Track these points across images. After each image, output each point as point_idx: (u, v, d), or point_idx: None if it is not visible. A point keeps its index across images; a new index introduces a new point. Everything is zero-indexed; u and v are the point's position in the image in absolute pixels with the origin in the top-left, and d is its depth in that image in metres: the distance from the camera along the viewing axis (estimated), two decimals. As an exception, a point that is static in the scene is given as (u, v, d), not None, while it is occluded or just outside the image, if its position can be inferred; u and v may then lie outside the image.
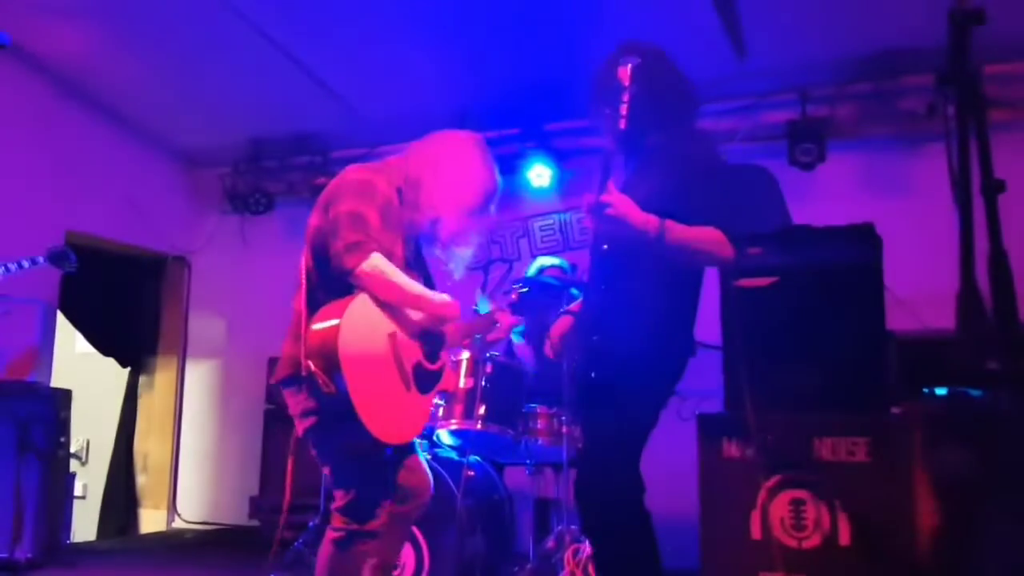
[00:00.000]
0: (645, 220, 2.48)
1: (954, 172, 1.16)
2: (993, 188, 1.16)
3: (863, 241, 3.36)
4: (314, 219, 2.74)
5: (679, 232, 2.51)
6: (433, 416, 4.13)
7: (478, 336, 3.17)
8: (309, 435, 2.67)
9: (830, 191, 5.23)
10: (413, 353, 2.74)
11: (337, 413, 2.51)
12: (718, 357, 3.56)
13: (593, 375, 2.66)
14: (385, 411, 2.58)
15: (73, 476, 5.85)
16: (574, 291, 4.09)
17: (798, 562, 3.05)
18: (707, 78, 5.20)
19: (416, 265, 2.93)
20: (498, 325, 3.15)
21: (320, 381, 2.47)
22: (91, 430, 7.35)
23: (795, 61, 5.12)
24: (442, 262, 3.00)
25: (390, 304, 2.66)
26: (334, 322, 2.50)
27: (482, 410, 3.86)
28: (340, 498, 2.67)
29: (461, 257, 3.01)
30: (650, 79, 2.59)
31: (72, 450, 5.75)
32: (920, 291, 4.14)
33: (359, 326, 2.55)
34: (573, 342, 2.82)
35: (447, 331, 2.95)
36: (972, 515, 2.85)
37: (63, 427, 5.14)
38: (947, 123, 1.21)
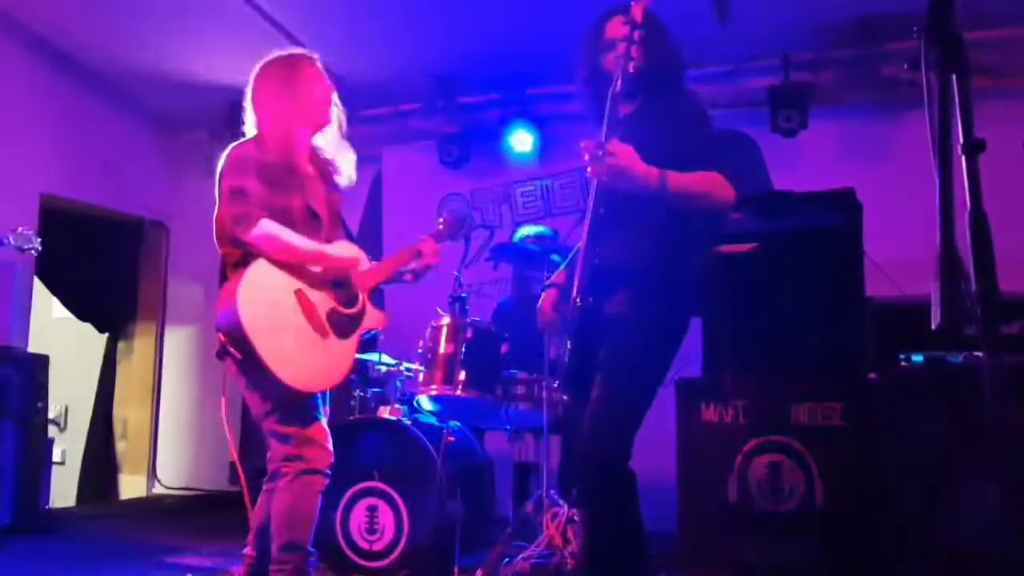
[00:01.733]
0: (647, 171, 2.42)
1: (934, 131, 1.14)
2: (974, 147, 1.15)
3: (843, 206, 3.38)
4: (216, 211, 2.90)
5: (679, 179, 2.44)
6: (413, 382, 4.14)
7: (407, 270, 3.20)
8: (244, 396, 2.88)
9: (812, 158, 5.23)
10: (325, 302, 2.91)
11: (258, 373, 2.70)
12: (695, 324, 3.57)
13: (589, 338, 2.58)
14: (302, 362, 2.78)
15: (51, 441, 5.82)
16: (555, 257, 4.09)
17: (774, 524, 3.09)
18: (689, 42, 5.16)
19: (329, 212, 3.07)
20: (423, 254, 3.17)
21: (231, 350, 2.72)
22: (69, 395, 7.31)
23: (778, 26, 5.09)
24: (338, 171, 3.15)
25: (288, 264, 2.82)
26: (234, 296, 2.70)
27: (462, 375, 3.85)
28: (282, 449, 2.83)
29: (343, 155, 3.15)
30: (655, 27, 2.58)
31: (50, 416, 5.72)
32: (899, 258, 4.14)
33: (258, 291, 2.75)
34: (563, 312, 2.77)
35: (371, 273, 3.10)
36: (947, 478, 2.89)
37: (41, 392, 5.10)
38: (927, 81, 1.20)
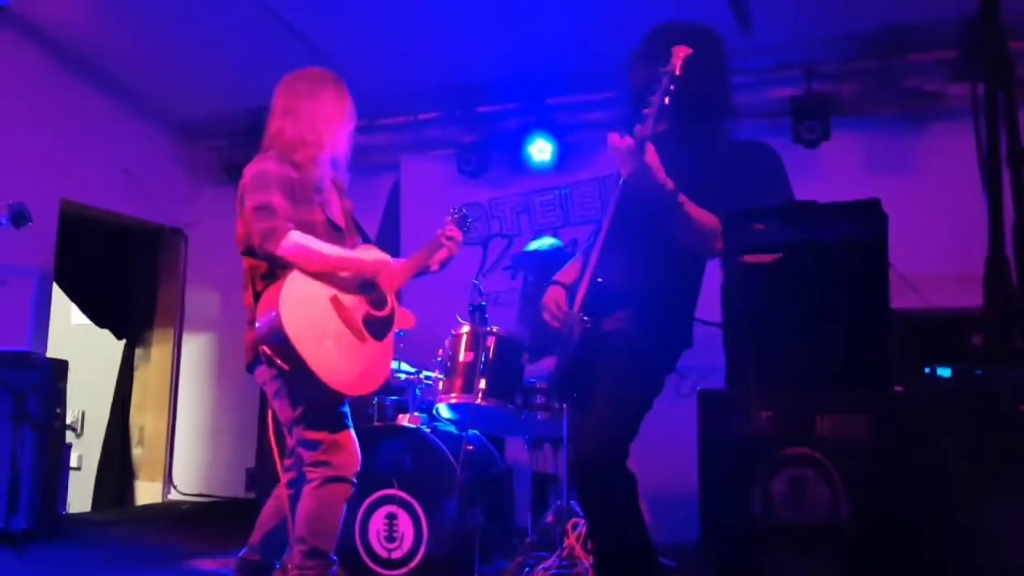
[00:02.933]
0: (666, 180, 2.45)
1: (981, 142, 1.12)
2: (1020, 157, 1.13)
3: (868, 217, 3.35)
4: (238, 227, 2.97)
5: (688, 204, 2.48)
6: (433, 390, 4.12)
7: (433, 262, 3.28)
8: (274, 404, 2.91)
9: (834, 169, 5.20)
10: (359, 307, 2.96)
11: (298, 379, 2.77)
12: (717, 334, 3.55)
13: (587, 350, 2.62)
14: (347, 367, 2.85)
15: (69, 447, 5.83)
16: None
17: (798, 537, 3.06)
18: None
19: (346, 221, 3.16)
20: (450, 240, 3.26)
21: (277, 362, 2.75)
22: (87, 402, 7.32)
23: (800, 37, 5.07)
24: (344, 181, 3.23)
25: (320, 273, 2.87)
26: (275, 309, 2.74)
27: (482, 384, 3.84)
28: (311, 455, 2.85)
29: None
30: (698, 71, 2.50)
31: (68, 421, 5.72)
32: (924, 270, 4.12)
33: (298, 301, 2.80)
34: (567, 317, 2.77)
35: (400, 270, 3.18)
36: (976, 493, 2.85)
37: (59, 398, 5.12)
38: (974, 91, 1.18)
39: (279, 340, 2.71)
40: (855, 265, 3.29)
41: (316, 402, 2.82)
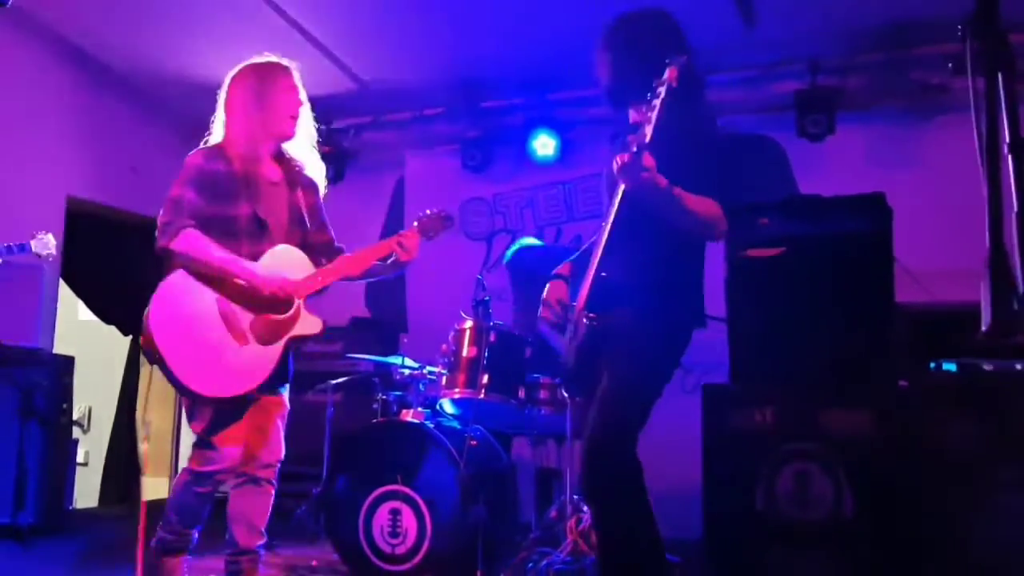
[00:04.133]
0: (662, 180, 2.44)
1: (981, 132, 1.11)
2: (1021, 146, 1.12)
3: (872, 211, 3.34)
4: None
5: (684, 194, 2.48)
6: (436, 385, 4.12)
7: (383, 262, 3.21)
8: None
9: (839, 163, 5.18)
10: (248, 310, 2.96)
11: (168, 374, 2.84)
12: (721, 330, 3.54)
13: (591, 347, 2.63)
14: (210, 368, 2.87)
15: (76, 443, 5.85)
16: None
17: (802, 533, 3.05)
18: (714, 47, 5.16)
19: (290, 217, 3.12)
20: (401, 247, 3.15)
21: (144, 352, 2.87)
22: (93, 397, 7.34)
23: (805, 30, 5.04)
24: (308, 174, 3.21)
25: (207, 274, 2.92)
26: (151, 302, 2.88)
27: (485, 379, 3.83)
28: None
29: (312, 163, 3.23)
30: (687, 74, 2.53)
31: (74, 417, 5.74)
32: (929, 264, 4.09)
33: (173, 298, 2.89)
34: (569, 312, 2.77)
35: (339, 264, 3.14)
36: (981, 488, 2.84)
37: (65, 393, 5.13)
38: (972, 81, 1.17)
39: (145, 333, 2.83)
40: (859, 259, 3.27)
41: (193, 400, 2.92)
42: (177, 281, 2.90)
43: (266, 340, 2.97)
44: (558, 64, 5.51)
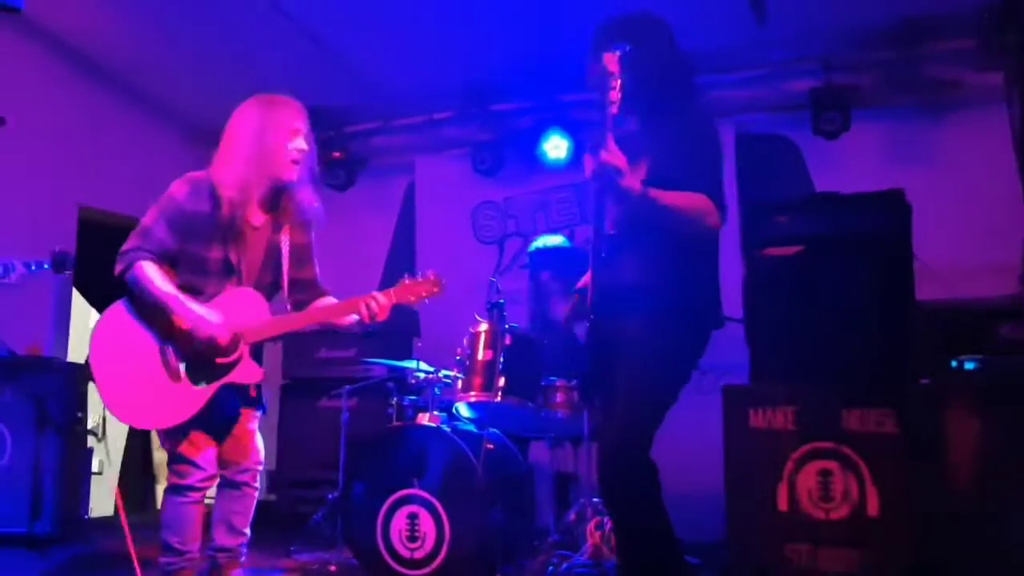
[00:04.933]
0: (632, 183, 2.45)
1: (1015, 124, 1.09)
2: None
3: (891, 208, 3.31)
4: None
5: (661, 195, 2.48)
6: (452, 389, 4.10)
7: (343, 323, 3.12)
8: None
9: (855, 160, 5.16)
10: (190, 347, 2.94)
11: (100, 394, 2.97)
12: (738, 330, 3.51)
13: (604, 352, 2.61)
14: (132, 397, 2.95)
15: (91, 451, 5.85)
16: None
17: (825, 533, 3.02)
18: (727, 46, 5.16)
19: (264, 262, 3.09)
20: (369, 310, 3.00)
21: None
22: (107, 406, 7.34)
23: (817, 28, 5.03)
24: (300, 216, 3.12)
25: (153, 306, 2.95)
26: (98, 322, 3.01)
27: (501, 382, 3.81)
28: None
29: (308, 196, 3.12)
30: (640, 64, 2.61)
31: (89, 425, 5.74)
32: (947, 260, 4.07)
33: (118, 323, 2.99)
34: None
35: (296, 317, 3.15)
36: (1006, 486, 2.81)
37: (80, 402, 5.13)
38: (1007, 81, 1.14)
39: (89, 351, 2.97)
40: (879, 256, 3.24)
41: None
42: (124, 308, 2.99)
43: (199, 380, 2.96)
44: (569, 65, 5.49)
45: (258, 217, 3.06)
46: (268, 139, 2.98)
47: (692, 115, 2.72)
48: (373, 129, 6.53)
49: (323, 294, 3.22)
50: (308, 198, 3.11)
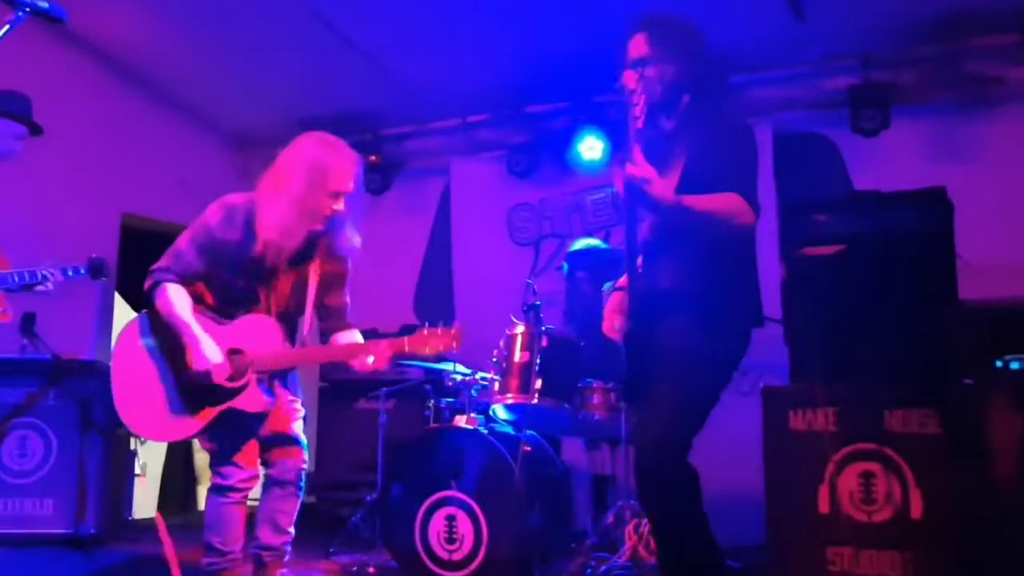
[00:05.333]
0: (663, 192, 2.45)
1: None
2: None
3: (933, 206, 3.25)
4: None
5: (692, 201, 2.47)
6: (489, 391, 4.11)
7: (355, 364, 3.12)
8: None
9: (895, 158, 5.10)
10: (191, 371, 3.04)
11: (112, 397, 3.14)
12: (776, 330, 3.47)
13: (644, 358, 2.59)
14: (140, 407, 3.08)
15: (134, 453, 5.93)
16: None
17: (868, 536, 2.97)
18: (764, 44, 5.12)
19: (291, 297, 3.15)
20: (369, 358, 3.04)
21: None
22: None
23: (856, 25, 4.97)
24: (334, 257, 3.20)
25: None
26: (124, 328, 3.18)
27: (538, 384, 3.81)
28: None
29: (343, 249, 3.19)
30: (671, 64, 2.66)
31: (132, 428, 5.82)
32: (991, 259, 4.00)
33: (134, 335, 3.14)
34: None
35: (303, 352, 3.23)
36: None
37: (123, 405, 5.20)
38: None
39: (111, 356, 3.15)
40: (921, 255, 3.18)
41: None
42: (146, 322, 3.13)
43: (203, 402, 3.04)
44: (603, 65, 5.47)
45: (293, 256, 3.10)
46: (315, 193, 3.00)
47: (725, 114, 2.72)
48: (408, 133, 6.57)
49: (345, 327, 3.27)
50: (344, 240, 3.15)
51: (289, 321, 3.19)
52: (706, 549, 2.52)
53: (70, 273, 3.69)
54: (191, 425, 3.05)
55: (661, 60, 2.65)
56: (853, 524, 3.00)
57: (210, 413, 3.03)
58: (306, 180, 3.00)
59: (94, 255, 3.74)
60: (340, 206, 3.05)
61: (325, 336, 3.28)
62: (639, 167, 2.42)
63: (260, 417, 3.13)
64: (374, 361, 3.01)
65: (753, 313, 2.70)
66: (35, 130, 3.41)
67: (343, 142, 3.15)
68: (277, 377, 3.18)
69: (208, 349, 2.98)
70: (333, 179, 3.02)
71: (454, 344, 2.98)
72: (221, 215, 3.08)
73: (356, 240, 3.19)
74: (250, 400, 3.04)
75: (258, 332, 3.09)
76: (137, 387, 3.08)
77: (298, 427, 3.26)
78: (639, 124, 2.50)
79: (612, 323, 2.80)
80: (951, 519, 2.89)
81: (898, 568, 2.93)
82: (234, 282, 3.10)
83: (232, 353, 3.05)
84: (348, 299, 3.28)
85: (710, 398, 2.58)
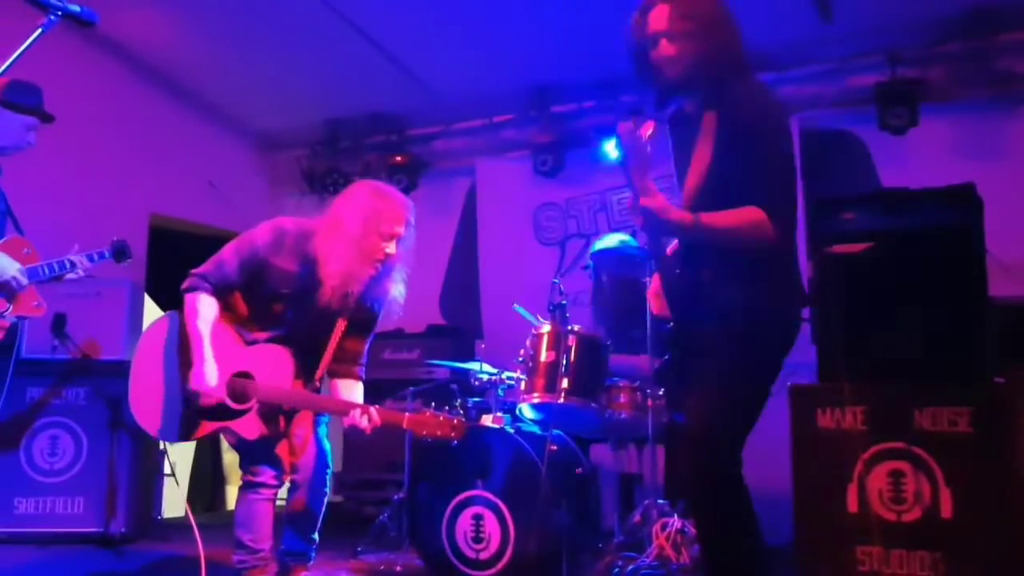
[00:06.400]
0: (680, 219, 2.38)
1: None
2: None
3: (962, 203, 3.22)
4: None
5: (713, 221, 2.38)
6: (515, 390, 4.11)
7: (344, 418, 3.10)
8: None
9: (923, 155, 5.05)
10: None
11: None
12: (805, 328, 3.44)
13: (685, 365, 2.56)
14: (151, 405, 3.14)
15: (163, 453, 5.98)
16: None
17: (897, 536, 2.95)
18: (791, 41, 5.09)
19: (321, 324, 3.19)
20: (361, 421, 3.01)
21: None
22: (178, 409, 7.50)
23: (883, 22, 4.94)
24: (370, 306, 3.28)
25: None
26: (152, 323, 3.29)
27: (565, 383, 3.81)
28: None
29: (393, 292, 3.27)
30: (680, 55, 2.50)
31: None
32: (1021, 256, 3.95)
33: (159, 333, 3.22)
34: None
35: (304, 396, 3.22)
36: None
37: (152, 404, 5.25)
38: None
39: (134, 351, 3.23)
40: (950, 253, 3.15)
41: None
42: (173, 322, 3.20)
43: (206, 414, 3.10)
44: (629, 64, 5.47)
45: (340, 299, 3.17)
46: (370, 232, 3.11)
47: (758, 105, 2.49)
48: (434, 133, 6.60)
49: (351, 376, 3.33)
50: (386, 286, 3.24)
51: (310, 357, 3.24)
52: (754, 559, 2.47)
53: (95, 258, 3.74)
54: (187, 433, 3.16)
55: (685, 36, 2.45)
56: (882, 524, 2.98)
57: (207, 427, 3.12)
58: (361, 223, 3.11)
59: (115, 238, 3.77)
60: (392, 249, 3.15)
61: (331, 375, 3.35)
62: (652, 198, 2.36)
63: (288, 415, 3.18)
64: (368, 423, 3.00)
65: (800, 300, 2.61)
66: (46, 118, 3.44)
67: (393, 188, 3.34)
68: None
69: (208, 372, 3.03)
70: (386, 221, 3.13)
71: (453, 435, 2.97)
72: (270, 237, 3.17)
73: (399, 290, 3.27)
74: (246, 426, 3.11)
75: (272, 363, 3.15)
76: (149, 384, 3.16)
77: (323, 431, 3.33)
78: (647, 150, 2.42)
79: (657, 305, 2.72)
80: (981, 519, 2.86)
81: (928, 568, 2.91)
82: (270, 305, 3.18)
83: (240, 376, 3.11)
84: (366, 349, 3.37)
85: (761, 393, 2.48)
